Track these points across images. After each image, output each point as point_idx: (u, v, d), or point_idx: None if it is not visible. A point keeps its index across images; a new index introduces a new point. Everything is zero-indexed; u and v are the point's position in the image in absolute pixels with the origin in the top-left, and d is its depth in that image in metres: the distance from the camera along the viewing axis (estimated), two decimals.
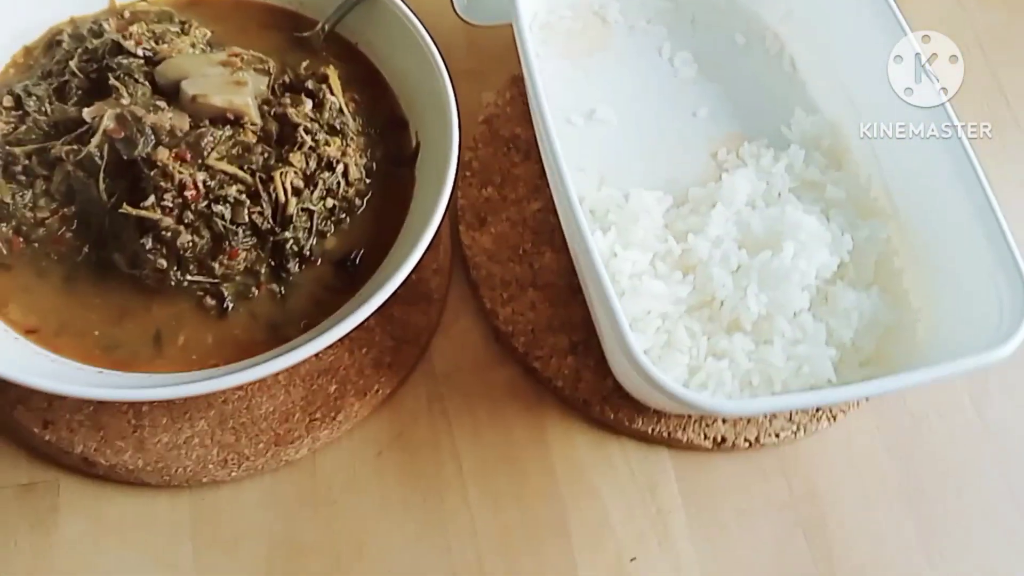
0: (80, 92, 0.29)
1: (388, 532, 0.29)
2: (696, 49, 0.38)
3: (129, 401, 0.28)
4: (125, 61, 0.29)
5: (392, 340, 0.31)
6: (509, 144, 0.36)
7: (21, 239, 0.28)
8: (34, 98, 0.29)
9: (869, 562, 0.32)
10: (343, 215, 0.30)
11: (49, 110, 0.29)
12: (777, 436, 0.32)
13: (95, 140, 0.27)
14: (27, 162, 0.28)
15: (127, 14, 0.32)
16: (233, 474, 0.29)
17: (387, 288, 0.26)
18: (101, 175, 0.27)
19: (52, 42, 0.31)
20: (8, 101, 0.29)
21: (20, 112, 0.29)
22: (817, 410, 0.33)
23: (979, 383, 0.34)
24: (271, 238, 0.28)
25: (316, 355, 0.27)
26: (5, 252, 0.28)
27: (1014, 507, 0.32)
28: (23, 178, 0.28)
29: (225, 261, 0.27)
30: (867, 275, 0.33)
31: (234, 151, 0.28)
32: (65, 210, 0.28)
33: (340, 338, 0.26)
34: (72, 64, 0.29)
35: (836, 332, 0.30)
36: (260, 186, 0.27)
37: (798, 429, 0.32)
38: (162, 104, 0.28)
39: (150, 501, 0.29)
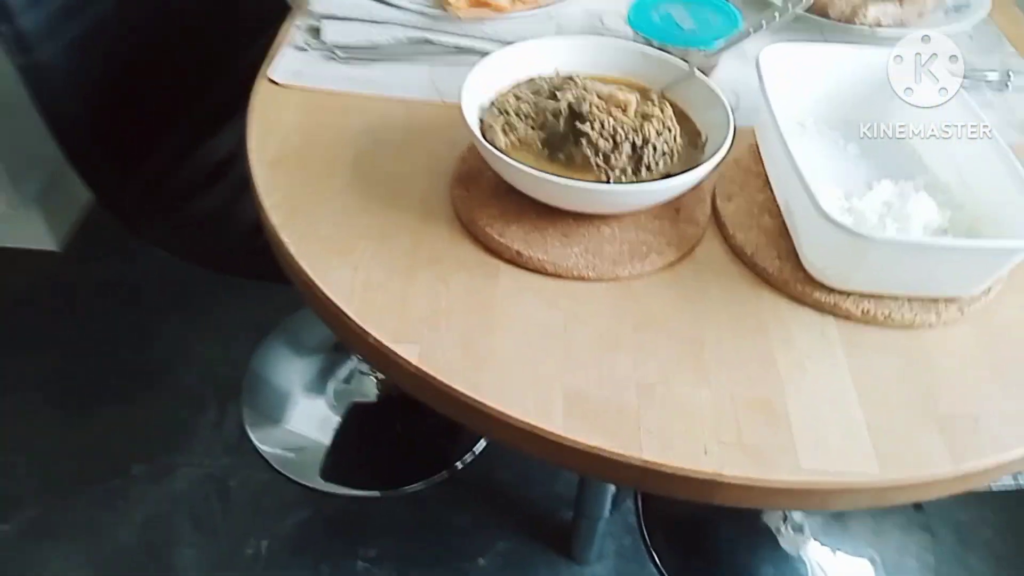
0: (548, 90, 0.60)
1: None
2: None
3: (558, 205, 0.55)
4: (572, 80, 0.60)
5: (677, 235, 0.57)
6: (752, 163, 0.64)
7: (518, 140, 0.58)
8: (524, 92, 0.61)
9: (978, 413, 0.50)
10: (670, 159, 0.58)
11: (533, 99, 0.60)
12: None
13: (563, 104, 0.57)
14: (523, 115, 0.59)
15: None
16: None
17: (710, 164, 0.53)
18: (562, 117, 0.57)
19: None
20: (512, 96, 0.61)
21: (518, 99, 0.60)
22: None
23: None
24: (639, 151, 0.56)
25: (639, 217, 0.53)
26: (508, 147, 0.58)
27: None
28: (519, 120, 0.58)
29: (616, 159, 0.55)
30: None
31: (624, 116, 0.57)
32: (540, 132, 0.58)
33: (677, 193, 0.53)
34: (543, 84, 0.61)
35: None
36: (637, 128, 0.56)
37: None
38: (592, 97, 0.58)
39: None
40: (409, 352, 0.49)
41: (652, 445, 0.45)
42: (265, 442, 1.33)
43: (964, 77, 0.74)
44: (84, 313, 1.49)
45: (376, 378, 1.34)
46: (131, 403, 1.34)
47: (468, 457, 1.29)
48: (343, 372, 1.39)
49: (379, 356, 0.50)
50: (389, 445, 1.35)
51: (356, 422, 1.36)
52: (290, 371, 1.44)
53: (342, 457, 1.33)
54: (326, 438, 1.35)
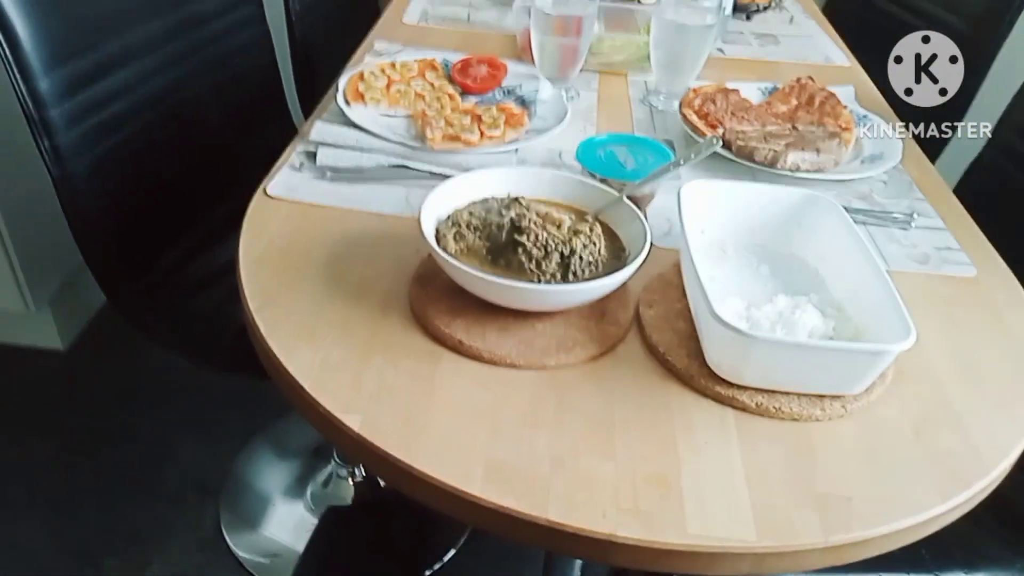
0: (497, 208, 0.71)
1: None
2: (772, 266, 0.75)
3: (496, 302, 0.63)
4: (518, 200, 0.71)
5: (600, 335, 0.66)
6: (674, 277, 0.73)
7: (467, 248, 0.67)
8: (477, 209, 0.71)
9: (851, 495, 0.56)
10: (594, 268, 0.67)
11: (483, 214, 0.70)
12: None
13: (506, 219, 0.68)
14: (472, 227, 0.69)
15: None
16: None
17: (627, 271, 0.62)
18: (504, 230, 0.67)
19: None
20: (466, 212, 0.71)
21: (471, 214, 0.71)
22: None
23: None
24: (566, 260, 0.65)
25: (569, 315, 0.62)
26: (456, 252, 0.67)
27: None
28: (468, 231, 0.68)
29: (546, 265, 0.65)
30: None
31: (557, 231, 0.67)
32: (486, 241, 0.68)
33: (596, 296, 0.62)
34: (495, 203, 0.72)
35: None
36: (566, 241, 0.66)
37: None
38: (532, 216, 0.69)
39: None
40: (352, 421, 0.56)
41: (558, 508, 0.52)
42: (240, 546, 1.36)
43: (876, 216, 0.85)
44: (80, 410, 1.56)
45: (352, 482, 1.39)
46: (114, 498, 1.39)
47: (438, 565, 1.32)
48: (322, 476, 1.43)
49: (327, 424, 0.57)
50: (362, 551, 1.38)
51: (331, 526, 1.39)
52: (271, 475, 1.49)
53: (315, 563, 1.35)
54: (301, 544, 1.38)
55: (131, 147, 1.00)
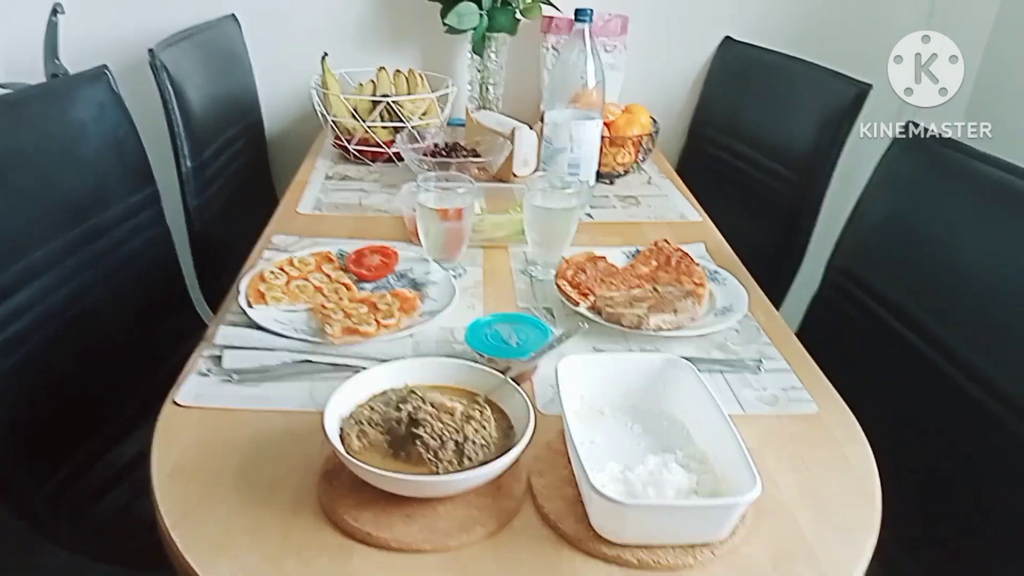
0: (395, 401, 0.78)
1: None
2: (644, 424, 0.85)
3: (399, 493, 0.69)
4: (415, 392, 0.79)
5: (497, 511, 0.73)
6: (560, 444, 0.81)
7: (369, 443, 0.74)
8: (377, 404, 0.78)
9: None
10: (487, 448, 0.75)
11: (383, 409, 0.78)
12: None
13: (404, 414, 0.75)
14: (373, 423, 0.76)
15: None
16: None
17: (512, 454, 0.70)
18: (404, 423, 0.75)
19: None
20: (368, 407, 0.78)
21: (371, 410, 0.78)
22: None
23: None
24: (461, 447, 0.73)
25: (468, 496, 0.69)
26: (360, 449, 0.74)
27: None
28: (370, 427, 0.75)
29: (443, 454, 0.72)
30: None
31: (451, 419, 0.75)
32: (387, 436, 0.75)
33: (488, 478, 0.69)
34: (392, 396, 0.80)
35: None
36: (459, 429, 0.74)
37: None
38: (427, 408, 0.77)
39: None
40: None
41: None
42: None
43: (731, 364, 0.97)
44: None
45: None
46: None
47: None
48: None
49: None
50: None
51: None
52: None
53: None
54: None
55: (34, 359, 1.03)
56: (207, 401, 0.86)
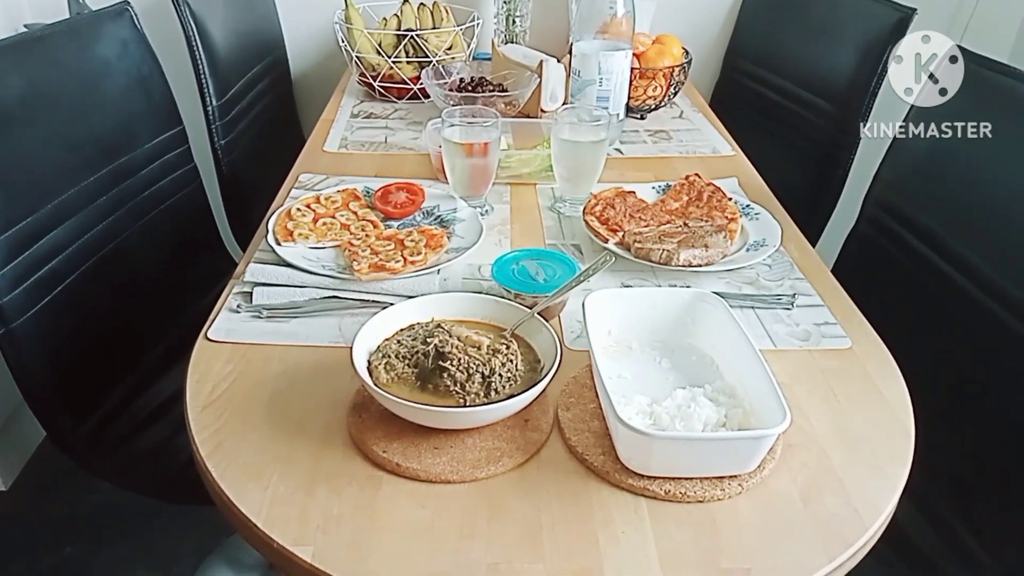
0: (422, 335, 0.78)
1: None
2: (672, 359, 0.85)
3: (427, 425, 0.70)
4: (441, 326, 0.79)
5: (524, 443, 0.73)
6: (587, 379, 0.81)
7: (397, 376, 0.75)
8: (404, 338, 0.79)
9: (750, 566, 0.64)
10: (513, 382, 0.75)
11: (410, 343, 0.78)
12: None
13: (431, 347, 0.75)
14: (400, 356, 0.76)
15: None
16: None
17: (539, 387, 0.70)
18: (431, 356, 0.75)
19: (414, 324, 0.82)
20: (395, 342, 0.79)
21: (399, 344, 0.78)
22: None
23: None
24: (488, 380, 0.73)
25: (495, 428, 0.70)
26: (387, 382, 0.74)
27: None
28: (397, 361, 0.76)
29: (469, 386, 0.72)
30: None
31: (477, 353, 0.75)
32: (414, 368, 0.75)
33: (515, 410, 0.69)
34: (420, 330, 0.80)
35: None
36: (486, 362, 0.74)
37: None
38: (454, 341, 0.77)
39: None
40: (304, 552, 0.62)
41: None
42: None
43: (763, 299, 0.95)
44: (28, 547, 1.53)
45: None
46: None
47: None
48: None
49: (280, 557, 0.62)
50: None
51: None
52: None
53: None
54: None
55: (70, 298, 1.05)
56: (238, 336, 0.87)
